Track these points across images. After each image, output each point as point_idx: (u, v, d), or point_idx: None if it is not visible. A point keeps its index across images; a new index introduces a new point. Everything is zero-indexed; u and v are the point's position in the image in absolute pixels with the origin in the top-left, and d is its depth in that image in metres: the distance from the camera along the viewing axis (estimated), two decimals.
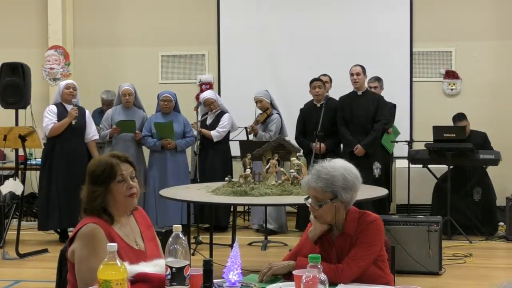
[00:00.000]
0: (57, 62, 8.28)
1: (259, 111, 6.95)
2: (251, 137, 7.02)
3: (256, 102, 6.93)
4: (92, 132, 6.49)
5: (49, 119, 6.30)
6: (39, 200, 6.50)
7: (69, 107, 6.36)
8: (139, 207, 2.59)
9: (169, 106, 6.74)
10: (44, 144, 6.33)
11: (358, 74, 6.50)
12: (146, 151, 6.97)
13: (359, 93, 6.57)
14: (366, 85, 6.71)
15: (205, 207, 6.39)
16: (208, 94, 7.00)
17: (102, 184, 2.39)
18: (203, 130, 6.88)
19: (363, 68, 6.54)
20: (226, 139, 6.96)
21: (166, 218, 6.37)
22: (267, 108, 6.88)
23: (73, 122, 6.27)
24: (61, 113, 6.33)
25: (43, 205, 6.33)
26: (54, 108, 6.38)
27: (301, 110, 6.92)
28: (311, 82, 6.72)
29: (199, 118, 6.83)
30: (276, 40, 8.14)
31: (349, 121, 6.55)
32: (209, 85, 8.30)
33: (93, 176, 2.41)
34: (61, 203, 6.20)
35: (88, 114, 6.58)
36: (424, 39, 7.93)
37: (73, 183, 6.10)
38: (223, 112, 6.90)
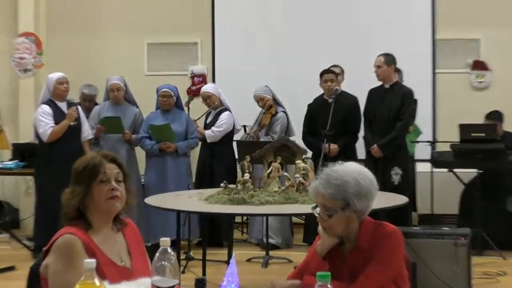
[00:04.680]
0: (28, 51, 8.28)
1: (259, 110, 6.93)
2: None
3: (257, 101, 6.91)
4: (86, 130, 6.55)
5: (46, 123, 6.33)
6: (36, 213, 6.49)
7: (61, 104, 6.40)
8: (129, 221, 2.59)
9: (168, 103, 6.73)
10: (39, 149, 6.38)
11: (378, 66, 6.49)
12: (139, 153, 6.96)
13: (386, 86, 6.57)
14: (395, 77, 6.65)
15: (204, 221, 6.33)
16: (206, 87, 7.04)
17: (82, 183, 2.44)
18: (199, 129, 6.88)
19: (387, 57, 6.51)
20: (229, 140, 6.95)
21: (166, 231, 6.29)
22: (270, 106, 6.86)
23: (72, 123, 6.32)
24: (55, 112, 6.36)
25: (41, 219, 6.31)
26: (47, 109, 6.39)
27: (309, 106, 6.91)
28: (322, 74, 6.70)
29: (202, 115, 6.87)
30: (279, 26, 8.14)
31: (373, 118, 6.57)
32: (202, 78, 8.30)
33: (75, 175, 2.49)
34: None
35: (81, 110, 6.61)
36: (448, 25, 7.93)
37: None
38: (224, 110, 6.90)
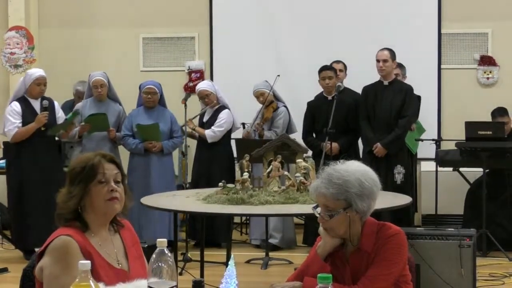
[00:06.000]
0: (19, 46, 8.28)
1: (259, 106, 6.94)
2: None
3: (257, 97, 6.91)
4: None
5: (11, 122, 6.32)
6: (12, 215, 6.53)
7: (34, 103, 6.39)
8: (126, 222, 2.61)
9: (153, 100, 6.72)
10: (5, 149, 6.37)
11: (385, 61, 6.49)
12: (123, 152, 6.95)
13: (386, 82, 6.59)
14: (394, 73, 6.68)
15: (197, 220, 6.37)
16: (203, 85, 7.00)
17: (79, 184, 2.44)
18: (197, 129, 6.88)
19: (391, 52, 6.54)
20: (227, 139, 6.95)
21: (153, 231, 6.33)
22: (271, 102, 6.87)
23: (42, 128, 6.30)
24: (26, 111, 6.35)
25: (17, 221, 6.37)
26: (17, 107, 6.38)
27: (309, 104, 6.93)
28: (320, 71, 6.71)
29: (198, 113, 6.85)
30: (279, 19, 8.13)
31: (372, 116, 6.57)
32: (200, 73, 8.30)
33: (72, 175, 2.47)
34: (37, 217, 6.20)
35: (57, 106, 6.61)
36: (454, 18, 7.92)
37: (48, 192, 6.11)
38: (223, 108, 6.90)
